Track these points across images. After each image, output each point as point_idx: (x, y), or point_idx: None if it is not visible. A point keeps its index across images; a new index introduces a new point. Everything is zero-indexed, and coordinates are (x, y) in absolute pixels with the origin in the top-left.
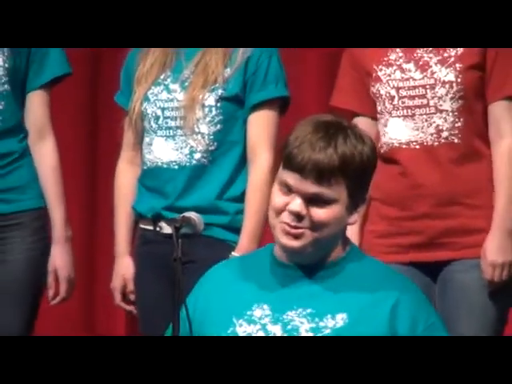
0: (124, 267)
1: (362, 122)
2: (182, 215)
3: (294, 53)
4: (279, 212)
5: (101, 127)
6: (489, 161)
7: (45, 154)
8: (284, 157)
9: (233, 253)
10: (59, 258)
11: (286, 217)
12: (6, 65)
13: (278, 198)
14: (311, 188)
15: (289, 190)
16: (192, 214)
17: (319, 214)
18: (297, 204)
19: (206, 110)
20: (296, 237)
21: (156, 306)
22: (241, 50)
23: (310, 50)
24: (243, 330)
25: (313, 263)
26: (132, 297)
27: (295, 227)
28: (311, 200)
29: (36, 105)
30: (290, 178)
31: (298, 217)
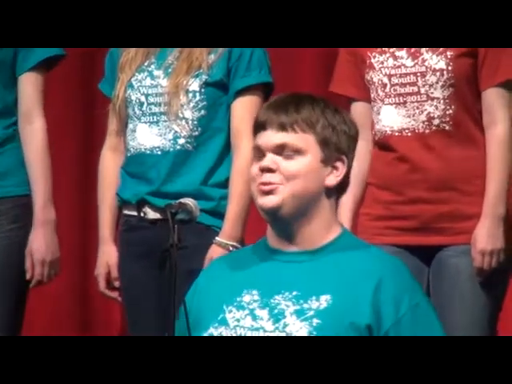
0: (108, 254)
1: (359, 107)
2: (178, 201)
3: (289, 52)
4: (255, 177)
5: (95, 123)
6: (483, 147)
7: (31, 136)
8: (254, 125)
9: (217, 238)
10: (35, 242)
11: (259, 177)
12: None
13: (253, 166)
14: (275, 138)
15: (261, 153)
16: (188, 200)
17: (290, 164)
18: (266, 159)
19: (190, 95)
20: (270, 192)
21: (142, 292)
22: None
23: (305, 50)
24: (232, 315)
25: (297, 241)
26: (116, 283)
27: (266, 184)
28: (280, 152)
29: (25, 87)
30: (258, 138)
31: (270, 171)
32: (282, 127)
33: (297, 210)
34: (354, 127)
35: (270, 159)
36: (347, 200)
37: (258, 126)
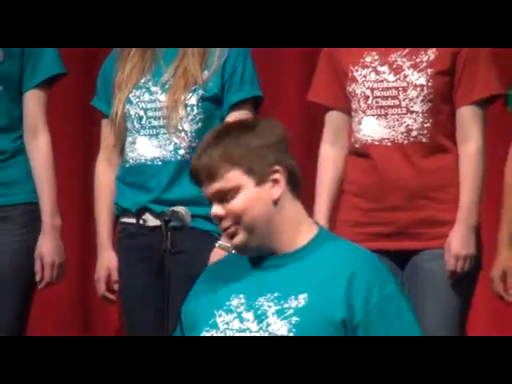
0: (108, 259)
1: (335, 116)
2: (170, 209)
3: (272, 52)
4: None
5: (94, 137)
6: (455, 158)
7: (38, 151)
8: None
9: (219, 241)
10: (45, 246)
11: (217, 223)
12: (0, 65)
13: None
14: (210, 189)
15: (210, 202)
16: (180, 208)
17: (232, 205)
18: (213, 209)
19: (189, 109)
20: (233, 236)
21: (140, 295)
22: (216, 53)
23: (288, 50)
24: (222, 319)
25: (275, 250)
26: (116, 287)
27: (226, 228)
28: (221, 198)
29: (30, 104)
30: (202, 189)
31: (221, 218)
32: (210, 179)
33: (263, 234)
34: (274, 132)
35: (215, 209)
36: (323, 203)
37: (193, 181)
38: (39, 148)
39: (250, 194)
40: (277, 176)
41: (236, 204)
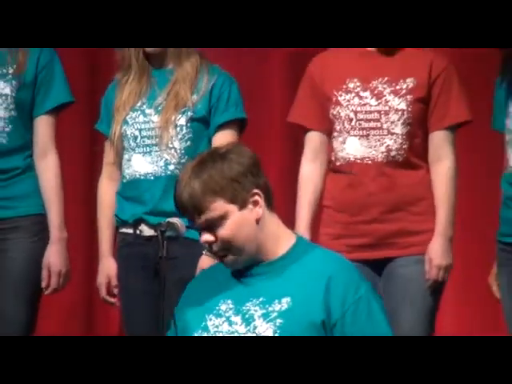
0: (108, 266)
1: (316, 137)
2: (166, 220)
3: (257, 52)
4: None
5: (97, 156)
6: (426, 175)
7: (47, 169)
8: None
9: (206, 251)
10: (52, 256)
11: (209, 248)
12: (14, 94)
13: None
14: (199, 220)
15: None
16: (175, 220)
17: (221, 232)
18: (203, 237)
19: (178, 129)
20: (225, 260)
21: (138, 299)
22: (205, 79)
23: (273, 50)
24: (212, 323)
25: (261, 260)
26: (115, 291)
27: (217, 253)
28: (209, 227)
29: (40, 128)
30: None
31: (212, 244)
32: (195, 211)
33: (251, 252)
34: (246, 157)
35: (206, 236)
36: (304, 218)
37: (183, 216)
38: (48, 166)
39: (237, 219)
40: (256, 198)
41: (226, 231)
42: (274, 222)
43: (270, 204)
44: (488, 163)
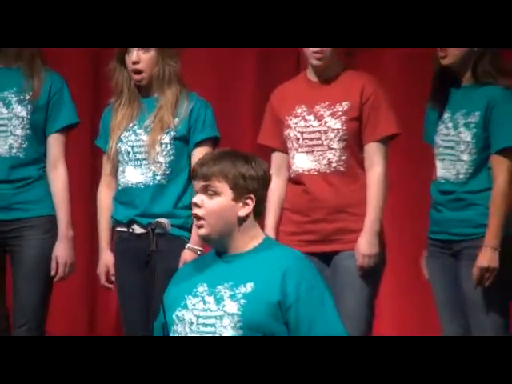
0: (106, 258)
1: (278, 156)
2: (156, 220)
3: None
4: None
5: (98, 166)
6: (364, 183)
7: (57, 178)
8: (191, 174)
9: (188, 244)
10: (59, 250)
11: (193, 209)
12: (29, 116)
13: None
14: (201, 183)
15: (196, 193)
16: (163, 220)
17: (210, 203)
18: (196, 197)
19: (163, 146)
20: (201, 226)
21: (132, 285)
22: (184, 105)
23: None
24: (190, 302)
25: (231, 250)
26: (113, 278)
27: (197, 216)
28: (203, 193)
29: (52, 144)
30: (194, 183)
31: (197, 206)
32: (206, 178)
33: (220, 235)
34: (262, 170)
35: (197, 198)
36: (271, 220)
37: (192, 174)
38: (58, 176)
39: (225, 203)
40: (248, 201)
41: (212, 204)
42: (252, 225)
43: (257, 213)
44: (424, 172)
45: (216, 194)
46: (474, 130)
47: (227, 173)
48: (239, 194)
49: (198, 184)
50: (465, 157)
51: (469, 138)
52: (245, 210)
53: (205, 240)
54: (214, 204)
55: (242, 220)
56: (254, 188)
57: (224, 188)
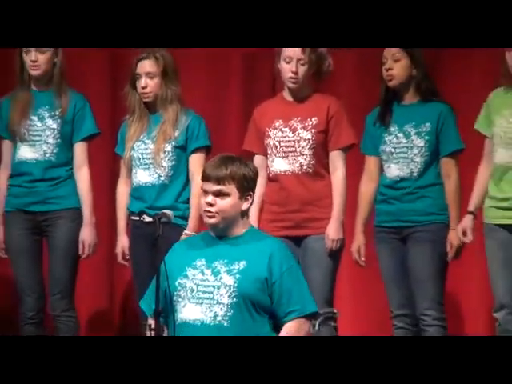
0: (123, 240)
1: (259, 159)
2: (161, 211)
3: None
4: (203, 206)
5: (117, 168)
6: (328, 182)
7: (82, 178)
8: (202, 176)
9: (185, 231)
10: (85, 234)
11: (205, 206)
12: (59, 128)
13: (202, 199)
14: (214, 187)
15: (207, 193)
16: (167, 211)
17: (221, 203)
18: (209, 198)
19: (166, 153)
20: (211, 217)
21: (143, 261)
22: (183, 119)
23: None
24: (190, 272)
25: (227, 234)
26: (127, 256)
27: (209, 212)
28: (216, 195)
29: (77, 150)
30: (206, 185)
31: (211, 205)
32: (218, 182)
33: (225, 225)
34: (255, 171)
35: (210, 199)
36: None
37: (204, 178)
38: (83, 176)
39: (234, 202)
40: (248, 197)
41: (224, 204)
42: (244, 216)
43: (251, 205)
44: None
45: (226, 195)
46: (426, 137)
47: (234, 175)
48: (243, 193)
49: (210, 186)
50: (418, 159)
51: (422, 144)
52: (246, 204)
53: (212, 227)
54: (225, 203)
55: (243, 212)
56: (252, 186)
57: (232, 189)
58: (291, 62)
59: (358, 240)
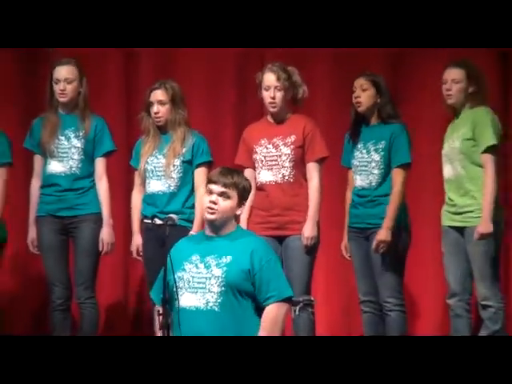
0: (137, 240)
1: (249, 172)
2: (169, 215)
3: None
4: (206, 203)
5: (131, 179)
6: (306, 189)
7: (102, 187)
8: (207, 180)
9: (191, 232)
10: (104, 234)
11: (209, 203)
12: (82, 146)
13: (206, 197)
14: (220, 189)
15: (211, 193)
16: (173, 215)
17: (223, 203)
18: (213, 197)
19: (175, 167)
20: (212, 213)
21: (153, 257)
22: (190, 138)
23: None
24: (187, 266)
25: (218, 233)
26: (141, 254)
27: (212, 208)
28: (220, 195)
29: (98, 164)
30: (212, 186)
31: (214, 203)
32: (224, 186)
33: (220, 222)
34: (251, 185)
35: (215, 197)
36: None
37: (212, 181)
38: (102, 185)
39: (233, 205)
40: (243, 205)
41: (225, 205)
42: (235, 218)
43: (241, 212)
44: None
45: (229, 198)
46: (382, 153)
47: (238, 184)
48: (240, 200)
49: (216, 188)
50: (375, 171)
51: (378, 159)
52: (240, 210)
53: (210, 222)
54: (226, 204)
55: (236, 216)
56: (246, 197)
57: (234, 195)
58: (269, 89)
59: (344, 239)
